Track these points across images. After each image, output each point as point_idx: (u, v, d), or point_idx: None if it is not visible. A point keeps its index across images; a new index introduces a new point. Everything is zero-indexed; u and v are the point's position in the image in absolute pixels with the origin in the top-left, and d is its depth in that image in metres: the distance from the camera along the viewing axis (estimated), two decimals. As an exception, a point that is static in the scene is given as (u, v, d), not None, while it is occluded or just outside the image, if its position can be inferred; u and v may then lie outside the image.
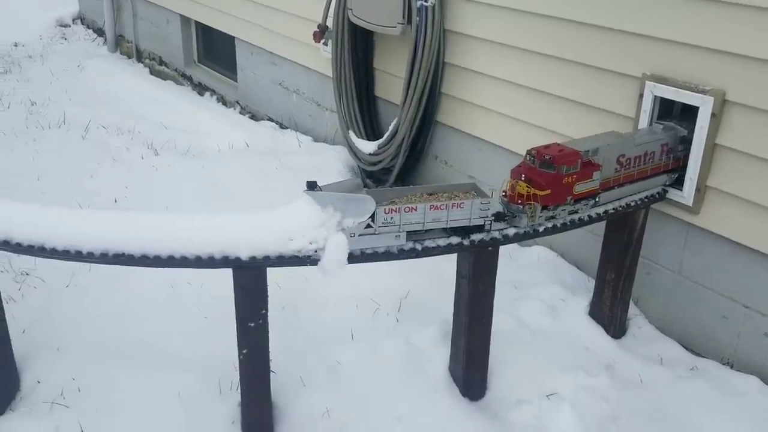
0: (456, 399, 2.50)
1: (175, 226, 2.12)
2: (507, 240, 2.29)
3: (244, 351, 2.24)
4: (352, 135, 4.10)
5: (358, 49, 4.10)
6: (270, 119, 5.47)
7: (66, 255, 2.09)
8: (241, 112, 5.80)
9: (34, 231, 2.11)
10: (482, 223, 2.21)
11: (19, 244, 2.12)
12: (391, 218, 2.10)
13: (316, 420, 2.41)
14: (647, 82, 2.69)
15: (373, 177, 4.20)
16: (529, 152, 2.31)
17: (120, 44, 7.70)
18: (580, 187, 2.36)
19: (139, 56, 7.45)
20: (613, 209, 2.54)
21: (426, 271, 3.13)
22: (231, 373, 2.54)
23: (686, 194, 2.66)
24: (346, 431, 2.38)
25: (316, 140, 4.88)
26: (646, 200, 2.62)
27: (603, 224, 2.73)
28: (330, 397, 2.49)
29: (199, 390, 2.51)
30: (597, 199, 2.44)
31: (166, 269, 2.11)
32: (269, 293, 2.18)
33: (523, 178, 2.26)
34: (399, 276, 3.08)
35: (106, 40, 7.74)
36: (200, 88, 6.43)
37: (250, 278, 2.14)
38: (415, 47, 3.55)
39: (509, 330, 2.78)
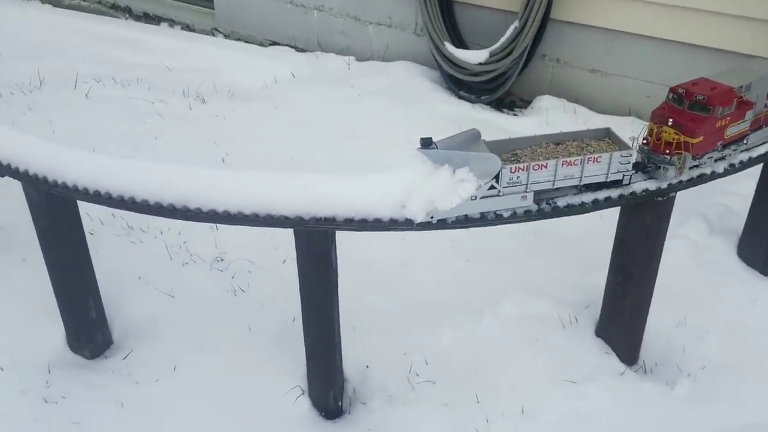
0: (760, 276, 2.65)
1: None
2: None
3: (628, 282, 2.20)
4: (449, 46, 3.87)
5: (436, -49, 3.82)
6: (275, 43, 4.96)
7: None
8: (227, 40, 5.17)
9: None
10: (620, 177, 1.94)
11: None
12: (518, 177, 1.84)
13: (673, 329, 2.44)
14: None
15: (464, 87, 4.02)
16: (674, 90, 1.97)
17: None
18: (732, 130, 2.05)
19: (30, -9, 6.23)
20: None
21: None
22: (560, 310, 2.48)
23: None
24: (709, 337, 2.42)
25: (359, 60, 4.53)
26: None
27: None
28: (675, 306, 2.49)
29: (546, 329, 2.41)
30: (746, 142, 2.16)
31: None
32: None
33: (670, 124, 1.92)
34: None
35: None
36: (148, 19, 5.59)
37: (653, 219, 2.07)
38: (543, -57, 3.39)
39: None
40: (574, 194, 1.95)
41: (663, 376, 2.30)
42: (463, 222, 1.89)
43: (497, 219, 1.90)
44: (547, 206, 1.92)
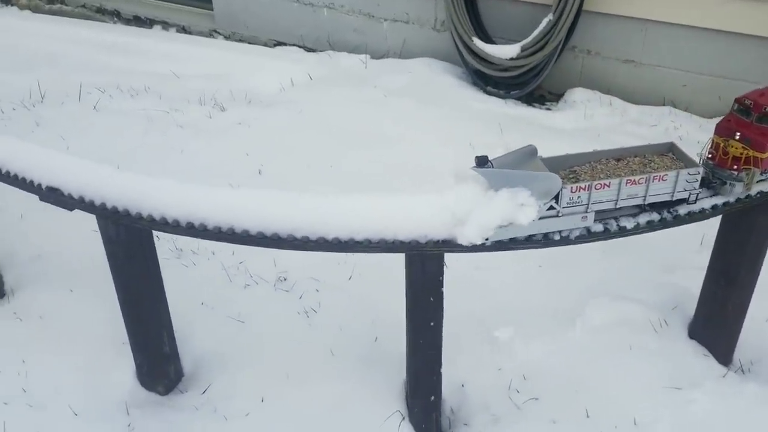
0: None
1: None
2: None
3: (731, 286, 2.17)
4: (477, 42, 3.77)
5: (459, -56, 3.71)
6: (281, 43, 4.79)
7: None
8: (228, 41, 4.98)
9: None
10: (686, 195, 1.85)
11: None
12: (578, 197, 1.74)
13: (764, 324, 2.40)
14: None
15: (491, 82, 3.94)
16: (740, 102, 1.86)
17: (-28, -15, 6.03)
18: None
19: (6, -3, 5.93)
20: None
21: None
22: (648, 313, 2.44)
23: None
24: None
25: (374, 57, 4.40)
26: None
27: None
28: (760, 299, 2.44)
29: (638, 334, 2.36)
30: None
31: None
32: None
33: (737, 138, 1.83)
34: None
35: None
36: (139, 22, 5.36)
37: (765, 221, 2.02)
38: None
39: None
40: (635, 214, 1.85)
41: (763, 375, 2.27)
42: (587, 237, 1.81)
43: (620, 231, 1.83)
44: (668, 215, 1.85)
